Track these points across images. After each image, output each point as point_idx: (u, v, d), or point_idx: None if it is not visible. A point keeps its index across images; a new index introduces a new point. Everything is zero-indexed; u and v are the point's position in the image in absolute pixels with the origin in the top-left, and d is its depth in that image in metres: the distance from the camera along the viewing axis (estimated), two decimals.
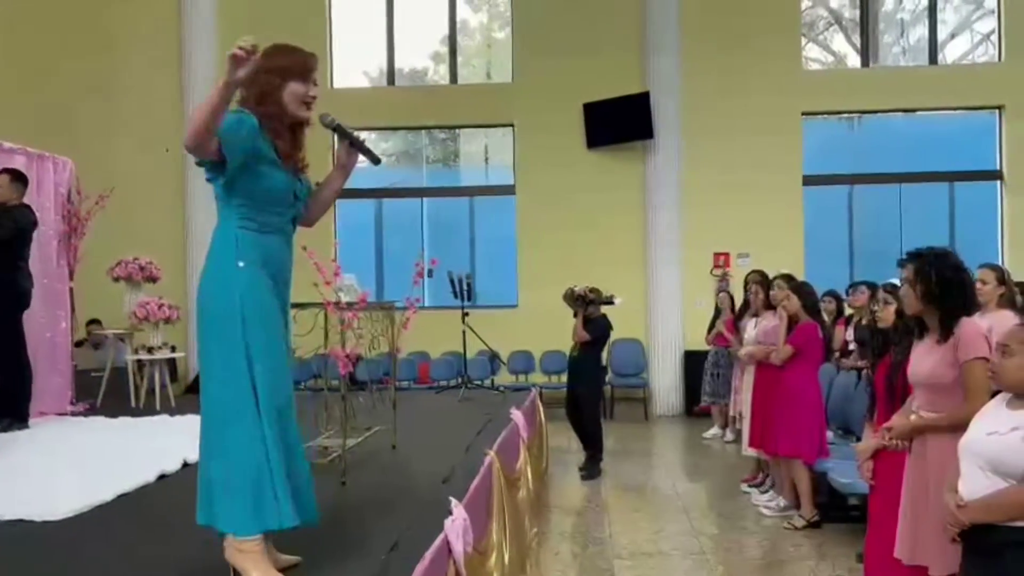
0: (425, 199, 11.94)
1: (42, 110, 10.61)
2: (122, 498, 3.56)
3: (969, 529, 2.55)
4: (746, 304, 6.91)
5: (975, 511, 2.55)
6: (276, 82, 2.59)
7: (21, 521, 3.22)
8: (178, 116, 10.29)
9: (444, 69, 12.13)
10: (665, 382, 10.79)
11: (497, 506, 3.85)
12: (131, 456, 4.32)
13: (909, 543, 3.07)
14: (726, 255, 10.99)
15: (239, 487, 2.45)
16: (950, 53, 11.57)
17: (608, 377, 9.53)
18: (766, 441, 5.85)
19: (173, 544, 2.92)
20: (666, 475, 7.40)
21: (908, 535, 3.09)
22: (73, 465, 4.20)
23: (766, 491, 6.21)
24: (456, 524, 2.92)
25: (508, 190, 11.53)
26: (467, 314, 7.71)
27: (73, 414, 6.41)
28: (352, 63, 11.91)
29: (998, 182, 11.11)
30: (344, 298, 3.74)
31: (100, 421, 5.90)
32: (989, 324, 3.52)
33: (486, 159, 12.39)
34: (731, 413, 7.58)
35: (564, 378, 10.14)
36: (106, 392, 6.97)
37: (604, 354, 7.69)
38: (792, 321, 5.74)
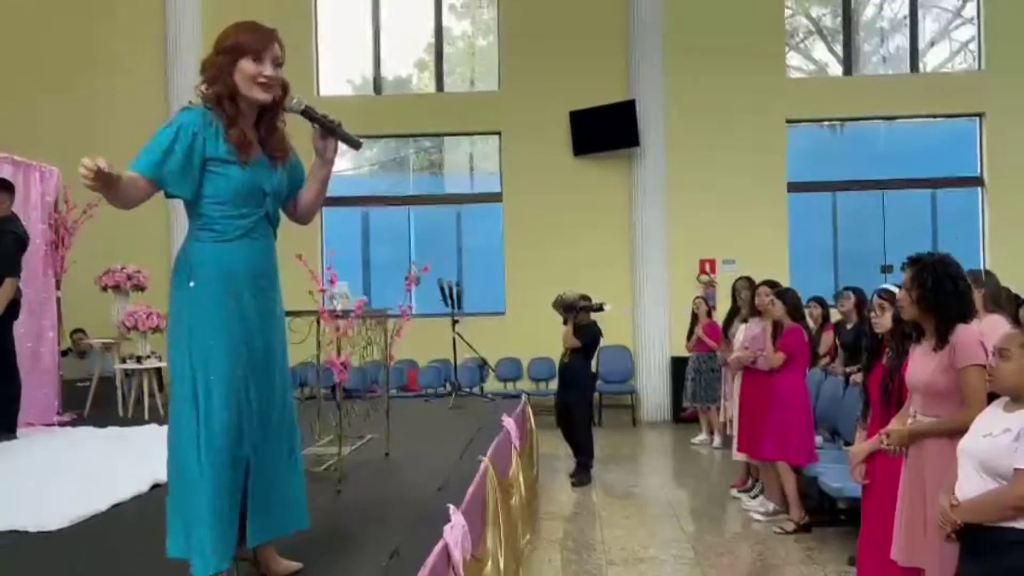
0: (412, 207, 11.94)
1: (29, 118, 10.54)
2: (116, 508, 3.54)
3: (963, 529, 2.59)
4: (735, 310, 6.97)
5: (965, 511, 2.59)
6: (226, 62, 2.43)
7: (15, 532, 3.20)
8: None
9: (428, 77, 12.15)
10: (652, 388, 10.83)
11: (492, 513, 3.86)
12: (123, 466, 4.29)
13: (906, 546, 3.11)
14: (712, 261, 11.06)
15: (173, 514, 2.38)
16: (929, 61, 11.73)
17: (596, 384, 9.56)
18: (754, 446, 5.89)
19: None
20: (656, 481, 7.43)
21: (905, 538, 3.13)
22: (66, 475, 4.17)
23: (756, 496, 6.25)
24: (455, 531, 2.93)
25: (495, 198, 11.56)
26: (457, 321, 7.71)
27: (60, 424, 6.36)
28: (337, 71, 11.92)
29: (979, 188, 11.26)
30: (339, 306, 3.73)
31: (89, 431, 5.85)
32: (980, 329, 3.56)
33: (471, 167, 12.42)
34: (721, 419, 7.64)
35: (552, 385, 10.20)
36: (93, 402, 6.92)
37: (594, 361, 7.72)
38: (776, 326, 5.79)
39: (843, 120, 11.63)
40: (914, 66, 11.55)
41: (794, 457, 5.48)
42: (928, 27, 11.75)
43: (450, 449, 4.69)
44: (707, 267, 11.08)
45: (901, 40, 11.76)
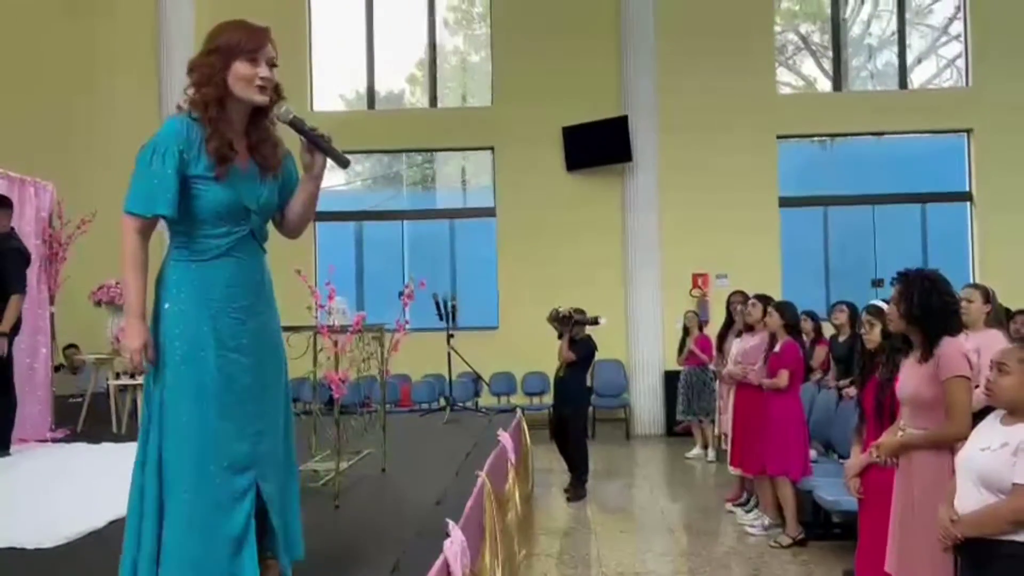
0: (405, 221, 11.97)
1: (22, 134, 10.52)
2: (114, 524, 3.51)
3: (963, 543, 2.61)
4: (729, 324, 7.01)
5: (966, 525, 2.62)
6: (219, 62, 2.29)
7: (13, 549, 3.18)
8: None
9: (421, 92, 12.21)
10: (646, 402, 10.84)
11: (489, 528, 3.86)
12: (119, 482, 4.25)
13: (899, 558, 3.14)
14: (705, 276, 11.11)
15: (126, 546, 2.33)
16: (916, 77, 11.85)
17: (591, 398, 9.57)
18: (749, 460, 5.90)
19: None
20: (651, 495, 7.43)
21: (898, 550, 3.16)
22: (62, 491, 4.16)
23: (750, 510, 6.26)
24: (455, 546, 2.93)
25: (488, 212, 11.59)
26: (452, 336, 7.71)
27: (54, 440, 6.31)
28: (331, 87, 11.97)
29: (968, 203, 11.36)
30: (337, 321, 3.74)
31: (83, 447, 5.81)
32: (977, 344, 3.61)
33: (463, 181, 12.47)
34: (716, 432, 7.65)
35: (546, 399, 10.20)
36: (86, 418, 6.88)
37: (588, 375, 7.74)
38: (772, 339, 5.81)
39: (833, 136, 11.73)
40: (902, 82, 11.67)
41: (790, 471, 5.49)
42: (916, 44, 11.89)
43: (447, 464, 4.70)
44: (700, 281, 11.13)
45: (889, 56, 11.89)
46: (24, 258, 5.72)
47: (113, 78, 11.29)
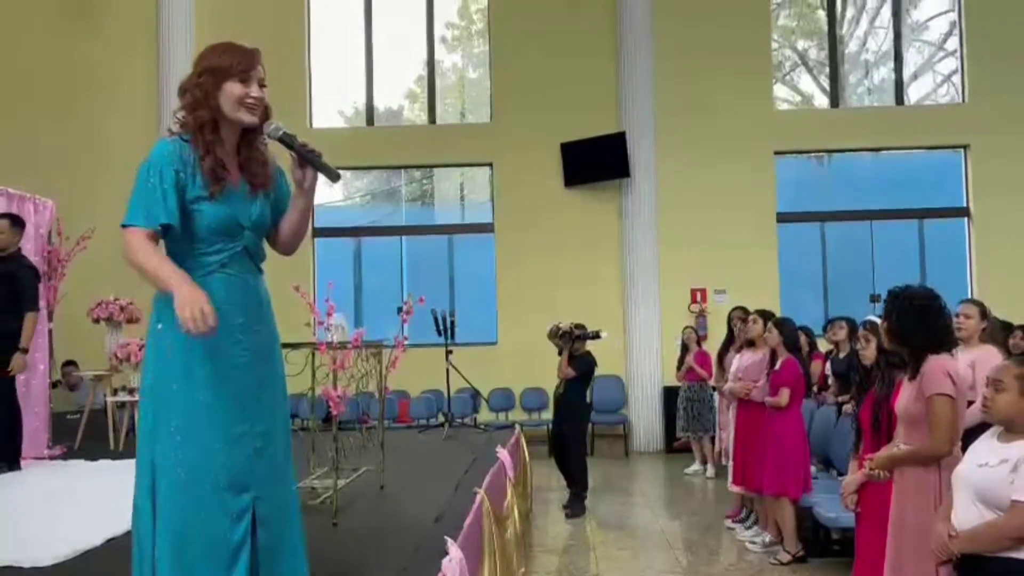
0: (404, 237, 11.99)
1: (22, 151, 10.55)
2: (111, 543, 3.50)
3: (961, 559, 2.61)
4: (730, 339, 7.01)
5: (964, 542, 2.62)
6: (210, 84, 2.31)
7: (10, 567, 3.17)
8: None
9: (419, 108, 12.27)
10: (645, 418, 10.83)
11: (488, 546, 3.85)
12: (116, 499, 4.22)
13: (895, 573, 3.14)
14: (703, 291, 11.13)
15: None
16: (913, 93, 11.92)
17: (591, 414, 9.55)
18: (751, 478, 5.87)
19: None
20: (650, 512, 7.40)
21: (893, 565, 3.16)
22: (59, 510, 4.14)
23: (750, 527, 6.24)
24: (453, 564, 2.92)
25: (487, 228, 11.62)
26: (451, 352, 7.70)
27: (51, 457, 6.30)
28: (330, 103, 12.02)
29: (965, 219, 11.39)
30: (336, 337, 3.74)
31: (81, 464, 5.80)
32: (973, 359, 3.62)
33: (462, 197, 12.50)
34: (716, 448, 7.63)
35: (544, 415, 10.18)
36: (83, 434, 6.87)
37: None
38: (772, 356, 5.80)
39: (830, 151, 11.77)
40: (899, 98, 11.73)
41: (791, 490, 5.47)
42: (912, 60, 11.97)
43: (445, 481, 4.68)
44: (698, 296, 11.14)
45: (886, 72, 11.96)
46: (37, 275, 5.83)
47: (113, 96, 11.34)
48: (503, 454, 5.49)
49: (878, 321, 3.73)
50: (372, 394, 4.65)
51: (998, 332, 5.04)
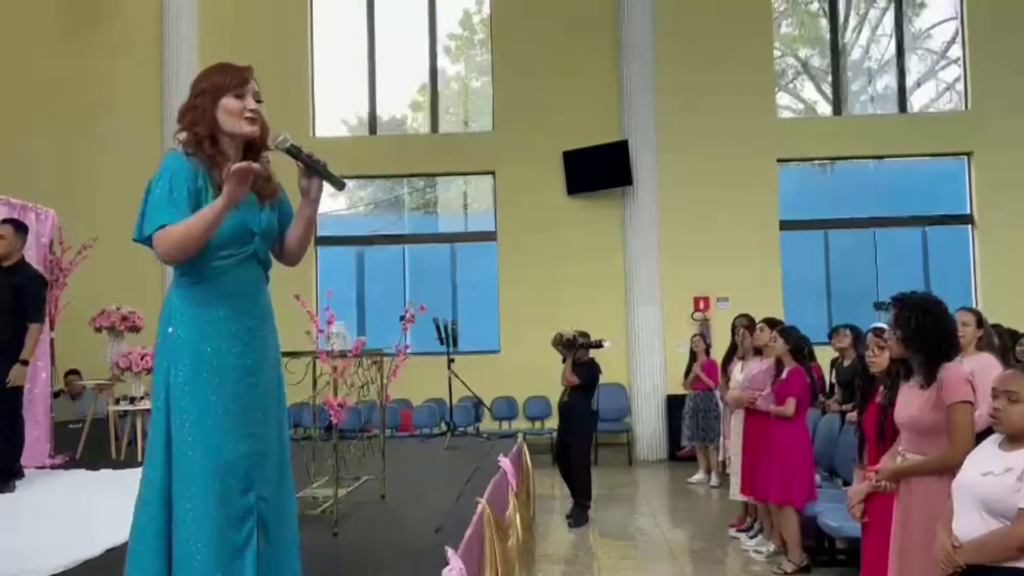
0: (406, 246, 11.99)
1: (25, 161, 10.59)
2: (111, 552, 3.49)
3: (965, 570, 2.58)
4: (733, 348, 6.98)
5: (969, 552, 2.58)
6: (207, 102, 2.41)
7: None
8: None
9: (422, 117, 12.29)
10: (648, 427, 10.78)
11: (490, 556, 3.82)
12: (117, 509, 4.21)
13: None
14: (706, 299, 11.09)
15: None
16: (916, 101, 11.90)
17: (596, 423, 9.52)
18: (757, 488, 5.82)
19: None
20: (653, 521, 7.36)
21: (897, 574, 3.12)
22: (59, 519, 4.13)
23: (754, 535, 6.20)
24: (453, 574, 2.90)
25: (489, 236, 11.61)
26: (453, 360, 7.69)
27: (52, 467, 6.28)
28: (333, 113, 12.04)
29: (969, 226, 11.36)
30: (336, 346, 3.73)
31: (82, 474, 5.79)
32: (970, 368, 3.58)
33: (465, 205, 12.51)
34: (720, 457, 7.59)
35: (548, 424, 10.15)
36: (85, 444, 6.85)
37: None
38: (778, 365, 5.77)
39: (833, 159, 11.76)
40: (902, 106, 11.72)
41: (794, 500, 5.43)
42: (915, 67, 11.96)
43: (447, 490, 4.66)
44: (701, 304, 11.11)
45: (889, 80, 11.96)
46: (45, 285, 5.81)
47: (115, 106, 11.37)
48: (505, 463, 5.46)
49: (887, 328, 3.69)
50: (374, 403, 4.63)
51: (1007, 339, 5.03)
